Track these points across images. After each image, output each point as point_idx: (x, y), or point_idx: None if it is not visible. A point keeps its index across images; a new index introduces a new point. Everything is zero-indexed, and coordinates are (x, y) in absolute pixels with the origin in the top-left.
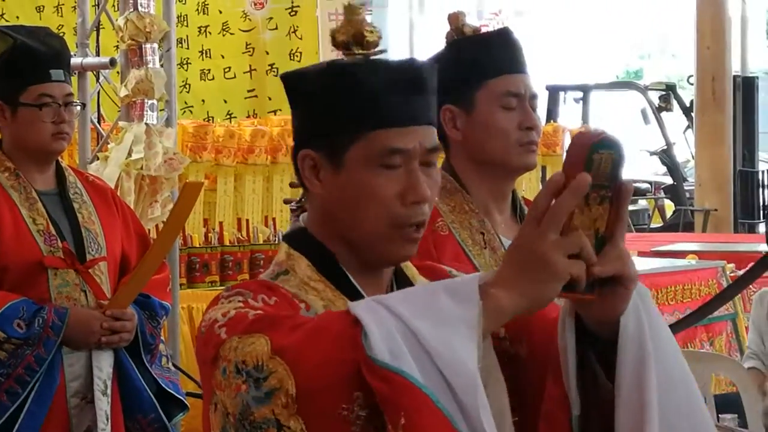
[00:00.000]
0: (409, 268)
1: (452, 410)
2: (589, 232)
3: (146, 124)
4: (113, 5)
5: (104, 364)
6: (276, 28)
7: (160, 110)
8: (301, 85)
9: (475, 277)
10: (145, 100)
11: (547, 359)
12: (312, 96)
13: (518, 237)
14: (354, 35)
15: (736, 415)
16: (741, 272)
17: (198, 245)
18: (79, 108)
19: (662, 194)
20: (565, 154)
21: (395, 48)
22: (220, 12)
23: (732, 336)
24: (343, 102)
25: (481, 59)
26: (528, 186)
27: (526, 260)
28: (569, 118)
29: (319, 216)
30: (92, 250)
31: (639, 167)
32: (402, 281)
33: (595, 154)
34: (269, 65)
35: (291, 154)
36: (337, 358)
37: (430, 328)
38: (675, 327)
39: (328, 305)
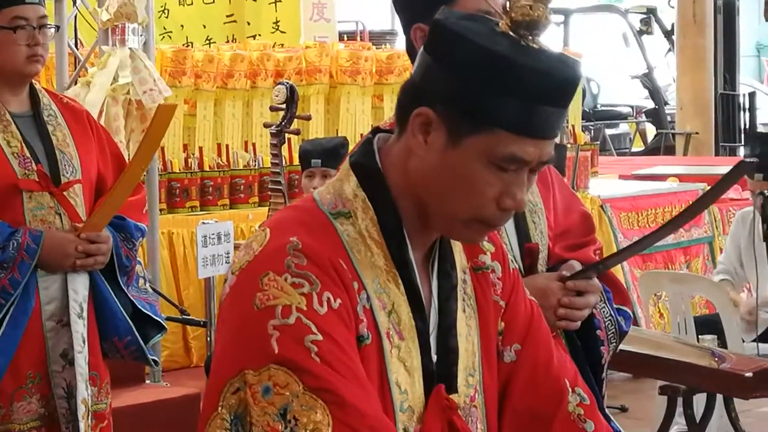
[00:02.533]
0: None
1: None
2: None
3: (129, 48)
4: None
5: (79, 287)
6: None
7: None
8: (455, 48)
9: None
10: (127, 24)
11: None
12: (462, 67)
13: None
14: (531, 22)
15: (716, 336)
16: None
17: (178, 170)
18: (53, 30)
19: (643, 118)
20: None
21: None
22: None
23: (708, 258)
24: (493, 95)
25: None
26: None
27: None
28: (550, 41)
29: (405, 169)
30: (67, 173)
31: (620, 91)
32: (444, 243)
33: None
34: None
35: (405, 90)
36: None
37: None
38: (643, 242)
39: (376, 277)
